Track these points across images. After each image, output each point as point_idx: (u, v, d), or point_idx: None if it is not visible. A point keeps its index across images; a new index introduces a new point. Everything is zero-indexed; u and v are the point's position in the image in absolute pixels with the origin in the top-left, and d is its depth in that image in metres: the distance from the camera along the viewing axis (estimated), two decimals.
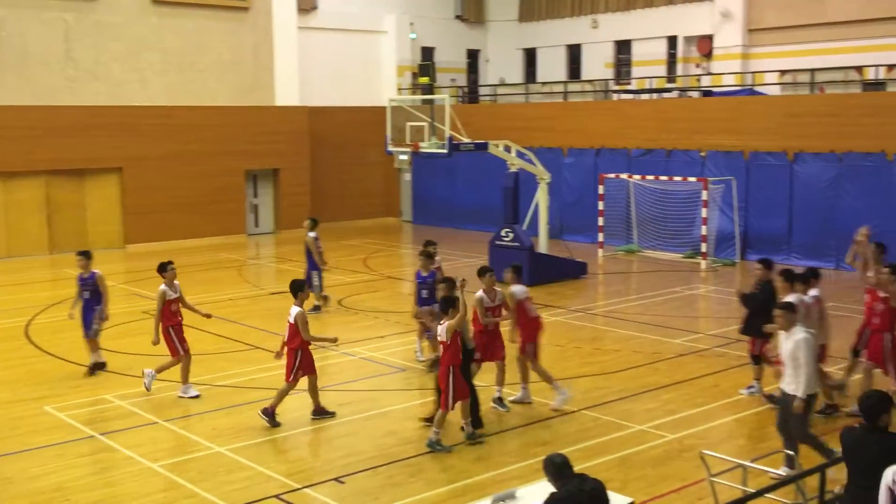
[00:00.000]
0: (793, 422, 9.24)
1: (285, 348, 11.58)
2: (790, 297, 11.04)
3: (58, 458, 10.47)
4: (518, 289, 11.97)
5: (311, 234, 17.85)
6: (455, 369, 10.47)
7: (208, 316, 13.54)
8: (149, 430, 11.33)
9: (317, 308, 17.66)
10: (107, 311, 13.98)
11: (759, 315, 11.63)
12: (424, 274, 13.73)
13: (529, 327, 11.90)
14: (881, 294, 11.38)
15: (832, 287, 20.35)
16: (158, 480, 9.78)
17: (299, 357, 11.43)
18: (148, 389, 12.70)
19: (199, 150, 27.95)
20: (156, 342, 12.70)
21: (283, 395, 11.49)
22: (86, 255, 14.06)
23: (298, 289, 11.66)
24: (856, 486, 6.36)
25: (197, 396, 12.56)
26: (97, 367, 13.79)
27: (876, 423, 6.34)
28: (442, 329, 10.54)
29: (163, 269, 12.97)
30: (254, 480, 9.73)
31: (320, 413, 11.65)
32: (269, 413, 11.37)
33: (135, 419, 11.73)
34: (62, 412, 12.03)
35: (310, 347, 11.61)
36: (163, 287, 12.75)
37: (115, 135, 26.48)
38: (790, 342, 9.24)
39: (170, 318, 12.72)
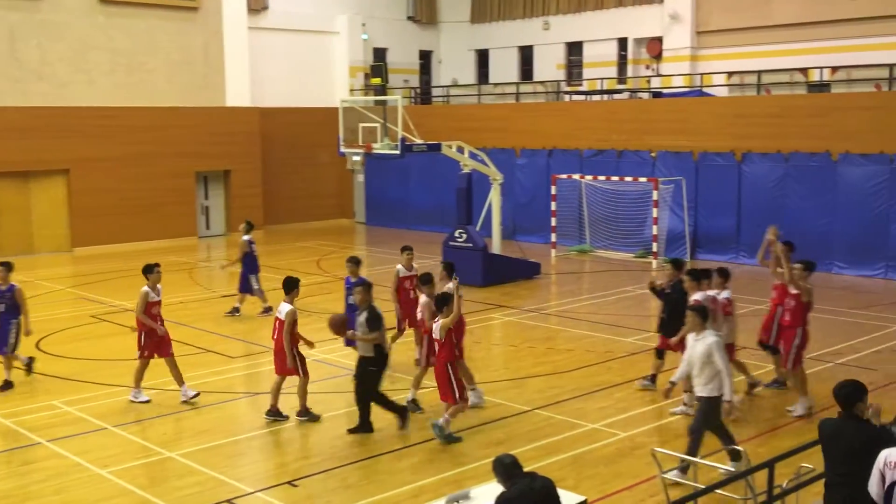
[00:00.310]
0: (703, 419, 9.36)
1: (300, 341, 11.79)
2: (697, 296, 11.30)
3: (4, 466, 10.27)
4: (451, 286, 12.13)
5: (246, 238, 17.64)
6: (452, 365, 10.70)
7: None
8: (98, 437, 11.14)
9: (235, 310, 17.56)
10: (28, 326, 13.24)
11: (674, 315, 11.84)
12: (353, 280, 13.43)
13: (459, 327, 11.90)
14: (792, 290, 11.70)
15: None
16: (108, 487, 9.62)
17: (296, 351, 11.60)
18: (185, 399, 12.34)
19: (149, 151, 27.57)
20: (163, 332, 12.45)
21: (304, 389, 11.61)
22: (6, 266, 13.15)
23: (292, 286, 11.73)
24: (834, 475, 6.47)
25: (147, 401, 12.35)
26: (5, 387, 12.95)
27: (852, 411, 6.45)
28: (437, 327, 10.74)
29: (149, 270, 12.56)
30: (206, 485, 9.62)
31: (305, 414, 11.69)
32: (304, 412, 11.57)
33: (83, 425, 11.53)
34: (8, 419, 11.78)
35: (298, 347, 11.66)
36: (145, 288, 12.35)
37: (62, 136, 26.01)
38: (701, 345, 9.31)
39: (153, 319, 12.37)
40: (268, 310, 17.43)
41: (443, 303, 10.81)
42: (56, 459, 10.42)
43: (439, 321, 10.74)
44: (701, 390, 9.36)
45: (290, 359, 11.45)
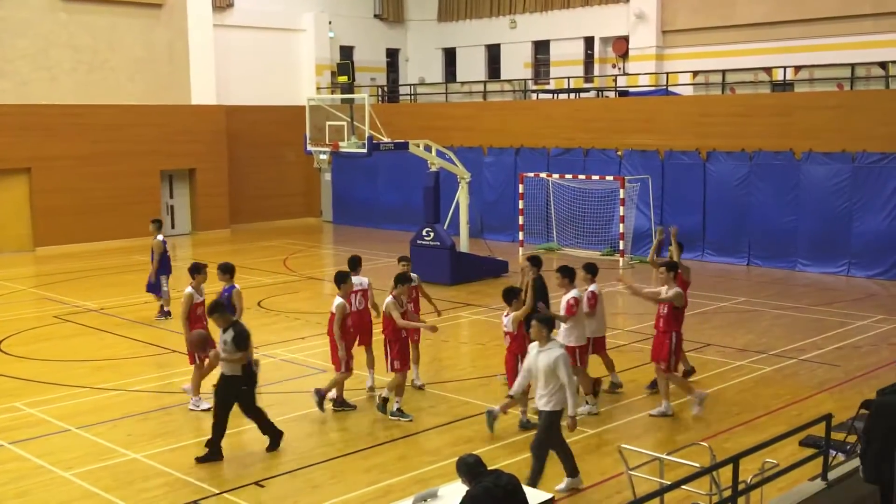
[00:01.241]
0: (545, 435, 8.96)
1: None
2: (573, 293, 11.35)
3: None
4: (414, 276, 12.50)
5: (160, 238, 17.17)
6: (521, 357, 10.65)
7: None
8: (61, 438, 10.99)
9: (167, 314, 17.04)
10: None
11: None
12: (227, 287, 12.59)
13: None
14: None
15: (743, 283, 20.97)
16: (72, 489, 9.49)
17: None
18: (196, 407, 11.98)
19: (112, 149, 27.26)
20: (191, 342, 11.92)
21: (338, 383, 11.67)
22: None
23: (342, 280, 11.65)
24: (882, 444, 6.55)
25: (208, 410, 11.59)
26: None
27: None
28: (508, 320, 10.94)
29: (198, 269, 12.17)
30: (172, 487, 9.53)
31: (342, 404, 11.76)
32: (340, 402, 11.67)
33: (46, 427, 11.38)
34: None
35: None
36: (189, 290, 12.03)
37: (23, 134, 25.64)
38: (546, 357, 8.88)
39: (195, 322, 12.00)
40: (167, 313, 16.97)
41: (511, 295, 10.95)
42: (18, 462, 10.27)
43: (510, 314, 10.92)
44: (543, 405, 8.93)
45: (340, 351, 11.41)
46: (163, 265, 17.09)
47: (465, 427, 11.25)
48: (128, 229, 27.46)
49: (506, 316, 11.07)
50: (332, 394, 11.86)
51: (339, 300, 11.48)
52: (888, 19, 24.14)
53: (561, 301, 11.62)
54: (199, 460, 10.09)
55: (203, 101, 29.34)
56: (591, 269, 11.98)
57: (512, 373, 10.92)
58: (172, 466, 10.03)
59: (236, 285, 12.40)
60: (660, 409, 11.53)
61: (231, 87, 30.52)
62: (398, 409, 11.49)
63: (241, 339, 10.12)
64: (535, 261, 12.31)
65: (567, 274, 11.57)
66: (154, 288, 17.25)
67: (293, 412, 11.85)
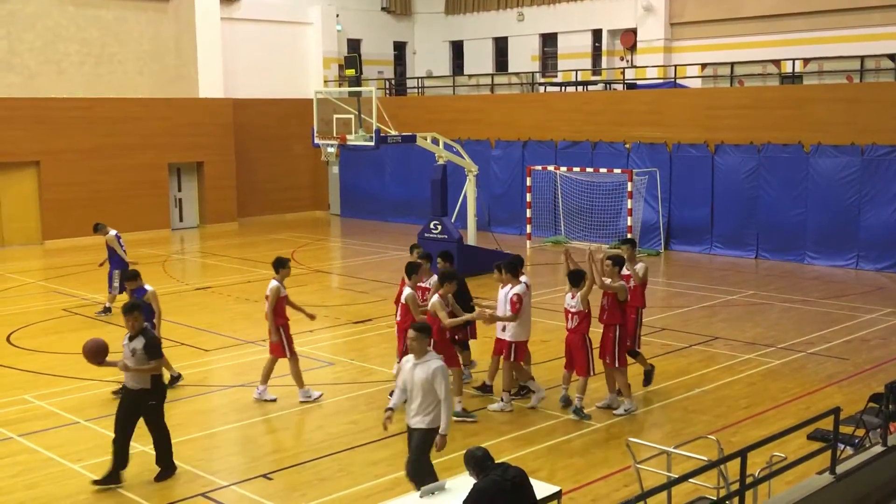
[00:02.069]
0: (419, 455, 8.27)
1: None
2: (517, 289, 11.28)
3: None
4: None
5: (113, 232, 16.97)
6: (588, 338, 10.98)
7: (312, 317, 12.67)
8: (70, 431, 11.04)
9: (107, 310, 16.87)
10: None
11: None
12: (136, 290, 12.41)
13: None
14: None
15: (751, 277, 20.92)
16: (81, 481, 9.53)
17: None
18: (263, 398, 11.98)
19: (120, 143, 27.32)
20: (275, 340, 11.84)
21: None
22: None
23: (413, 270, 11.62)
24: None
25: (274, 400, 11.89)
26: None
27: None
28: (575, 300, 11.13)
29: (282, 264, 11.98)
30: (179, 479, 9.55)
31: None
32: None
33: (55, 419, 11.42)
34: None
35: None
36: (276, 283, 11.83)
37: (32, 128, 25.71)
38: (423, 370, 8.09)
39: (279, 316, 11.85)
40: (107, 310, 16.84)
41: (579, 277, 11.19)
42: (27, 454, 10.31)
43: (577, 295, 11.12)
44: (417, 422, 8.17)
45: (448, 351, 11.20)
46: (117, 261, 16.87)
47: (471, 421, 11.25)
48: (136, 222, 27.52)
49: (572, 298, 11.19)
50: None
51: (409, 290, 11.33)
52: None
53: (502, 295, 11.51)
54: (98, 483, 9.32)
55: (211, 94, 29.36)
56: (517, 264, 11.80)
57: (582, 352, 11.18)
58: (180, 459, 10.04)
59: (148, 287, 12.27)
60: (624, 406, 11.36)
61: (238, 81, 30.53)
62: (462, 410, 11.23)
63: (153, 349, 9.46)
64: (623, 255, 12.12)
65: (511, 269, 11.52)
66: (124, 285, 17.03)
67: (301, 405, 11.87)
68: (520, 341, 11.52)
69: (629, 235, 23.13)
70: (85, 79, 27.05)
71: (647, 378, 12.22)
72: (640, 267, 12.07)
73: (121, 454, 9.38)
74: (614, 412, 11.33)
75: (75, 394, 12.44)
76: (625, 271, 11.76)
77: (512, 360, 11.47)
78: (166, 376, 10.56)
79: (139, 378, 9.43)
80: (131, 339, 9.53)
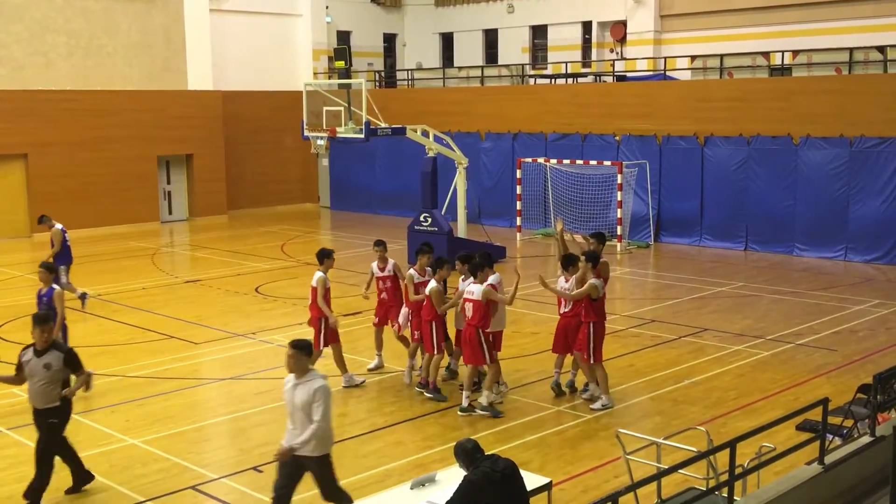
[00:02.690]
0: (324, 483, 7.71)
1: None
2: (493, 279, 11.25)
3: None
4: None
5: (58, 226, 16.74)
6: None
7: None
8: None
9: (83, 296, 16.72)
10: None
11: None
12: (44, 290, 12.16)
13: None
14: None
15: (741, 268, 20.98)
16: (69, 474, 9.48)
17: (434, 329, 11.48)
18: (353, 383, 12.20)
19: (109, 135, 27.20)
20: (333, 323, 11.83)
21: (435, 366, 11.61)
22: None
23: (440, 265, 11.72)
24: None
25: (362, 384, 12.19)
26: None
27: None
28: (569, 284, 11.30)
29: (327, 255, 11.98)
30: (169, 472, 9.54)
31: (432, 388, 11.64)
32: (431, 386, 11.58)
33: None
34: None
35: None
36: (322, 274, 11.81)
37: (19, 120, 25.57)
38: (304, 391, 7.42)
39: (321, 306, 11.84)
40: (83, 296, 16.68)
41: (571, 262, 11.40)
42: (17, 447, 10.28)
43: (571, 279, 11.29)
44: (311, 450, 7.50)
45: (481, 346, 11.09)
46: (63, 255, 16.66)
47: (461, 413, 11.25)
48: (125, 215, 27.49)
49: (566, 281, 11.25)
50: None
51: (481, 287, 11.21)
52: (887, 3, 24.07)
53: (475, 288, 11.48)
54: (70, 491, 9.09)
55: (200, 86, 29.24)
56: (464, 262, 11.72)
57: (587, 342, 11.20)
58: (170, 452, 10.04)
59: (56, 286, 12.10)
60: (601, 402, 11.32)
61: (228, 73, 30.42)
62: (489, 404, 11.17)
63: (76, 361, 8.70)
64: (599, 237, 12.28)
65: (485, 261, 11.52)
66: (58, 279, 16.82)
67: None
68: (498, 331, 11.61)
69: (619, 230, 23.19)
70: (73, 71, 26.90)
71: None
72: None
73: (76, 469, 9.06)
74: (591, 407, 11.30)
75: None
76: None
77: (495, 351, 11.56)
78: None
79: (48, 396, 8.61)
80: (40, 353, 8.56)
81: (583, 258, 11.35)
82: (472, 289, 11.05)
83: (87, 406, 11.56)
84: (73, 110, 26.50)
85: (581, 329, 11.31)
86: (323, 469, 7.64)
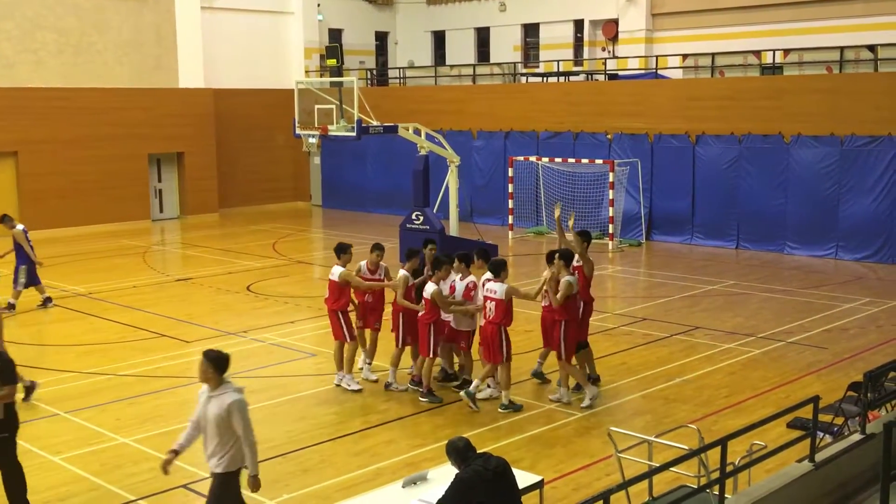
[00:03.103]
0: (217, 500, 7.24)
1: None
2: (470, 279, 11.32)
3: None
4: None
5: (20, 227, 16.59)
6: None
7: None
8: (49, 423, 10.96)
9: (11, 307, 16.26)
10: None
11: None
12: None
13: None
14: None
15: (732, 266, 21.02)
16: (60, 474, 9.48)
17: (432, 332, 11.47)
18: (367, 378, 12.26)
19: (100, 133, 27.11)
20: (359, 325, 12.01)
21: (429, 369, 11.57)
22: None
23: (469, 260, 11.71)
24: None
25: (359, 390, 11.90)
26: None
27: None
28: (499, 287, 11.07)
29: (343, 250, 11.88)
30: (160, 471, 9.48)
31: (426, 391, 11.57)
32: (426, 389, 11.51)
33: (35, 412, 11.33)
34: None
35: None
36: (342, 268, 11.77)
37: (9, 117, 25.46)
38: (216, 405, 7.04)
39: (345, 299, 11.83)
40: (11, 306, 16.22)
41: (568, 258, 11.27)
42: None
43: (498, 282, 11.12)
44: (215, 464, 7.12)
45: (501, 345, 11.10)
46: (23, 256, 16.47)
47: (455, 411, 11.26)
48: (115, 213, 27.41)
49: (493, 282, 11.08)
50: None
51: (504, 286, 11.18)
52: (878, 2, 24.14)
53: (459, 286, 11.62)
54: None
55: (191, 84, 29.16)
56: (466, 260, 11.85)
57: (559, 339, 11.15)
58: (161, 451, 9.96)
59: None
60: (556, 395, 11.44)
61: (219, 71, 30.34)
62: (510, 402, 11.22)
63: (7, 373, 8.18)
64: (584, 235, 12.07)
65: (464, 259, 11.69)
66: (34, 279, 16.58)
67: (283, 396, 11.85)
68: (468, 331, 11.78)
69: (611, 228, 23.22)
70: (64, 68, 26.79)
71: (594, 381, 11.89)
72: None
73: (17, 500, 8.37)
74: (581, 405, 11.26)
75: (54, 386, 12.36)
76: (575, 262, 11.53)
77: (469, 349, 11.76)
78: (21, 391, 9.81)
79: None
80: None
81: (557, 255, 11.28)
82: (494, 287, 11.07)
83: (77, 405, 11.54)
84: (64, 108, 26.40)
85: (555, 327, 11.27)
86: (222, 487, 7.17)
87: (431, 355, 11.53)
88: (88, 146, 26.88)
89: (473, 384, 11.29)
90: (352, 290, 11.93)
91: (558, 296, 11.05)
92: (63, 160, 26.40)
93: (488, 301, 11.11)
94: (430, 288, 11.44)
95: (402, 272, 11.81)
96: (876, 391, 7.58)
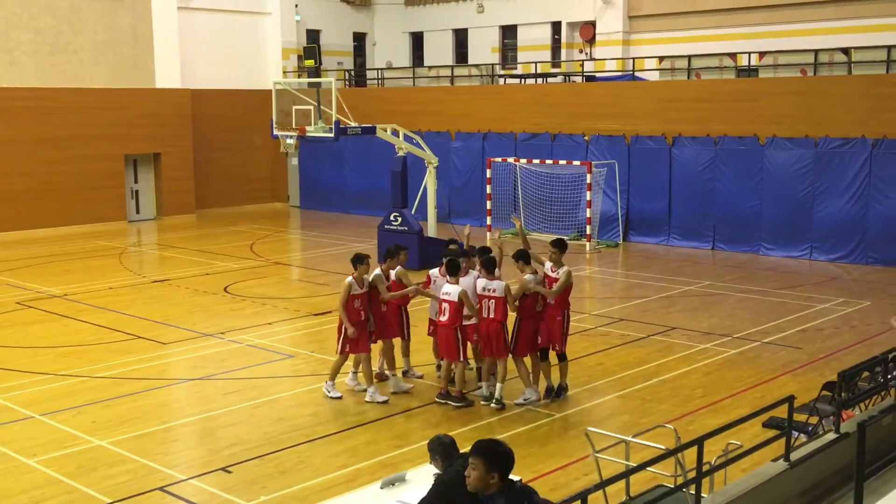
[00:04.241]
0: None
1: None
2: (498, 279, 11.33)
3: None
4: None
5: None
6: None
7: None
8: (24, 426, 10.86)
9: None
10: None
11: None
12: None
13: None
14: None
15: (708, 267, 21.14)
16: (35, 476, 9.39)
17: (460, 334, 11.37)
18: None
19: (75, 133, 26.88)
20: (352, 334, 11.38)
21: (462, 374, 11.53)
22: None
23: (494, 264, 11.61)
24: None
25: (339, 398, 11.69)
26: None
27: None
28: (454, 290, 11.19)
29: (360, 260, 11.49)
30: (137, 473, 9.46)
31: (459, 396, 11.45)
32: (458, 394, 11.43)
33: (9, 414, 11.23)
34: None
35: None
36: (350, 279, 11.42)
37: None
38: None
39: (352, 313, 11.41)
40: None
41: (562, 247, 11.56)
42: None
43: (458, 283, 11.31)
44: None
45: (504, 341, 11.29)
46: None
47: (434, 411, 11.27)
48: (91, 214, 27.18)
49: (450, 283, 11.21)
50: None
51: (457, 287, 11.19)
52: (851, 5, 24.40)
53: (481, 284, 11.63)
54: None
55: (167, 84, 28.99)
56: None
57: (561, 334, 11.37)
58: (137, 453, 9.95)
59: None
60: (523, 397, 11.47)
61: (196, 71, 30.18)
62: (501, 397, 11.32)
63: None
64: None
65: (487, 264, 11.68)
66: None
67: (260, 397, 11.81)
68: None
69: (588, 229, 23.31)
70: (39, 68, 26.55)
71: (557, 392, 11.69)
72: (562, 272, 11.50)
73: None
74: (515, 402, 11.35)
75: (29, 388, 12.25)
76: (550, 273, 11.51)
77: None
78: None
79: None
80: None
81: (551, 246, 11.49)
82: (493, 285, 11.20)
83: (52, 407, 11.44)
84: (39, 108, 26.16)
85: (554, 320, 11.39)
86: None
87: (462, 358, 11.44)
88: (64, 146, 26.66)
89: (498, 389, 11.29)
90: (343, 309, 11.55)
91: (514, 292, 11.27)
92: (38, 161, 26.16)
93: (487, 300, 11.19)
94: (453, 290, 11.26)
95: (377, 271, 11.81)
96: (850, 391, 7.65)
